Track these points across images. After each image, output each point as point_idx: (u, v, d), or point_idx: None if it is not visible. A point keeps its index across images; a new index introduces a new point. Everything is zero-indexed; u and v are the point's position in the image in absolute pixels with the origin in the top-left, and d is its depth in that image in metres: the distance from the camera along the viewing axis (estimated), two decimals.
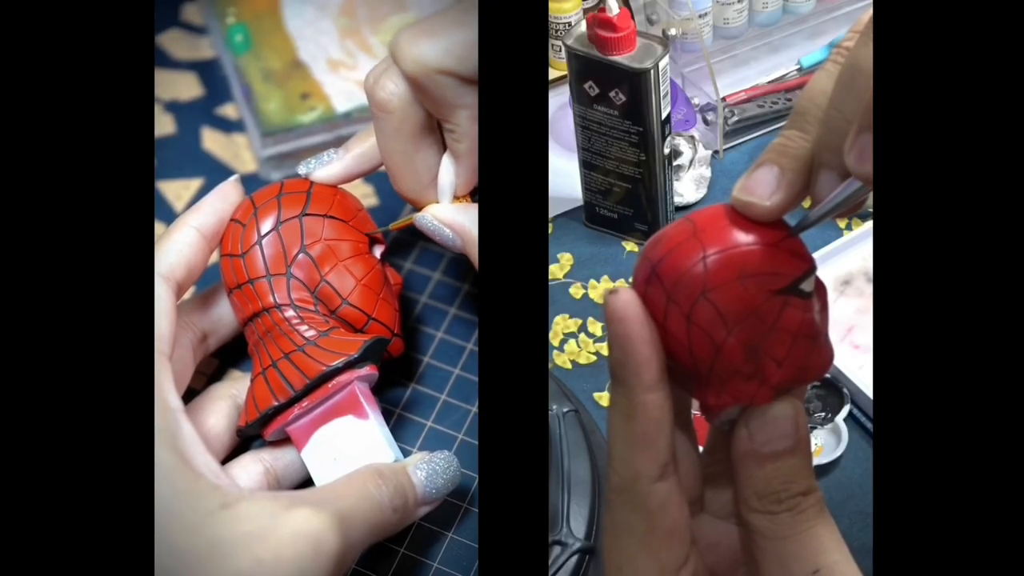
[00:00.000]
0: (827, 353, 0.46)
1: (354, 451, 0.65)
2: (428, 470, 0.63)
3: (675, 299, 0.44)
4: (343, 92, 0.83)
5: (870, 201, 0.44)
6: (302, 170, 0.69)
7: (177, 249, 0.64)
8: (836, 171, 0.44)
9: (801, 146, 0.45)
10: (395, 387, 0.73)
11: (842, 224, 0.84)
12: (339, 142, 0.81)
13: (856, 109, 0.42)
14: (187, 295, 0.72)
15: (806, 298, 0.45)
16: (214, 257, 0.67)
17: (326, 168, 0.69)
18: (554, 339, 0.80)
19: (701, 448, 0.49)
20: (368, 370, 0.66)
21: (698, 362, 0.45)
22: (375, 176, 0.73)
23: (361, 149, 0.68)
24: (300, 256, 0.66)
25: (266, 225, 0.66)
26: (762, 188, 0.44)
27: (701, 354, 0.45)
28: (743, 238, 0.44)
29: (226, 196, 0.67)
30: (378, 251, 0.70)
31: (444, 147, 0.65)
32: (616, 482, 0.45)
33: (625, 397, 0.44)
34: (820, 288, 0.46)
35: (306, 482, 0.67)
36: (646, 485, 0.44)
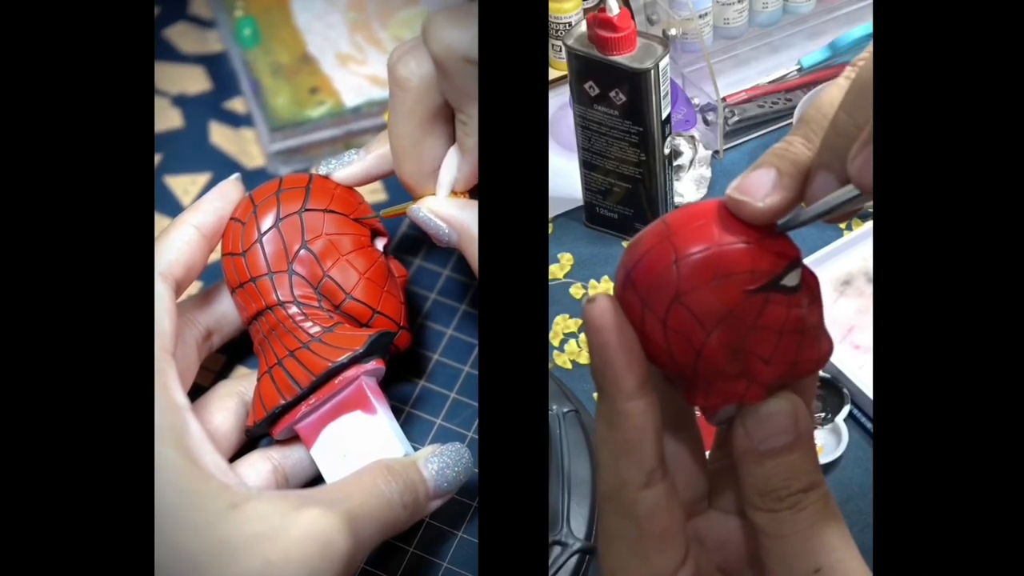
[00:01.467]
0: (821, 346, 0.44)
1: (363, 447, 0.63)
2: (439, 463, 0.61)
3: (650, 305, 0.42)
4: (352, 87, 0.82)
5: (870, 202, 0.43)
6: (322, 169, 0.67)
7: (176, 247, 0.62)
8: (835, 174, 0.42)
9: (802, 153, 0.43)
10: (404, 384, 0.71)
11: (842, 224, 0.83)
12: (348, 137, 0.81)
13: (868, 117, 0.40)
14: (191, 292, 0.71)
15: (790, 293, 0.43)
16: (216, 255, 0.65)
17: (347, 168, 0.67)
18: (554, 339, 0.79)
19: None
20: (375, 364, 0.64)
21: (680, 366, 0.43)
22: None
23: (382, 149, 0.66)
24: (301, 252, 0.65)
25: (266, 222, 0.65)
26: (758, 189, 0.42)
27: (682, 358, 0.43)
28: (717, 239, 0.42)
29: (226, 194, 0.65)
30: (380, 243, 0.68)
31: (452, 140, 0.63)
32: (604, 490, 0.44)
33: (606, 405, 0.42)
34: (810, 280, 0.44)
35: (315, 479, 0.65)
36: (633, 492, 0.43)
